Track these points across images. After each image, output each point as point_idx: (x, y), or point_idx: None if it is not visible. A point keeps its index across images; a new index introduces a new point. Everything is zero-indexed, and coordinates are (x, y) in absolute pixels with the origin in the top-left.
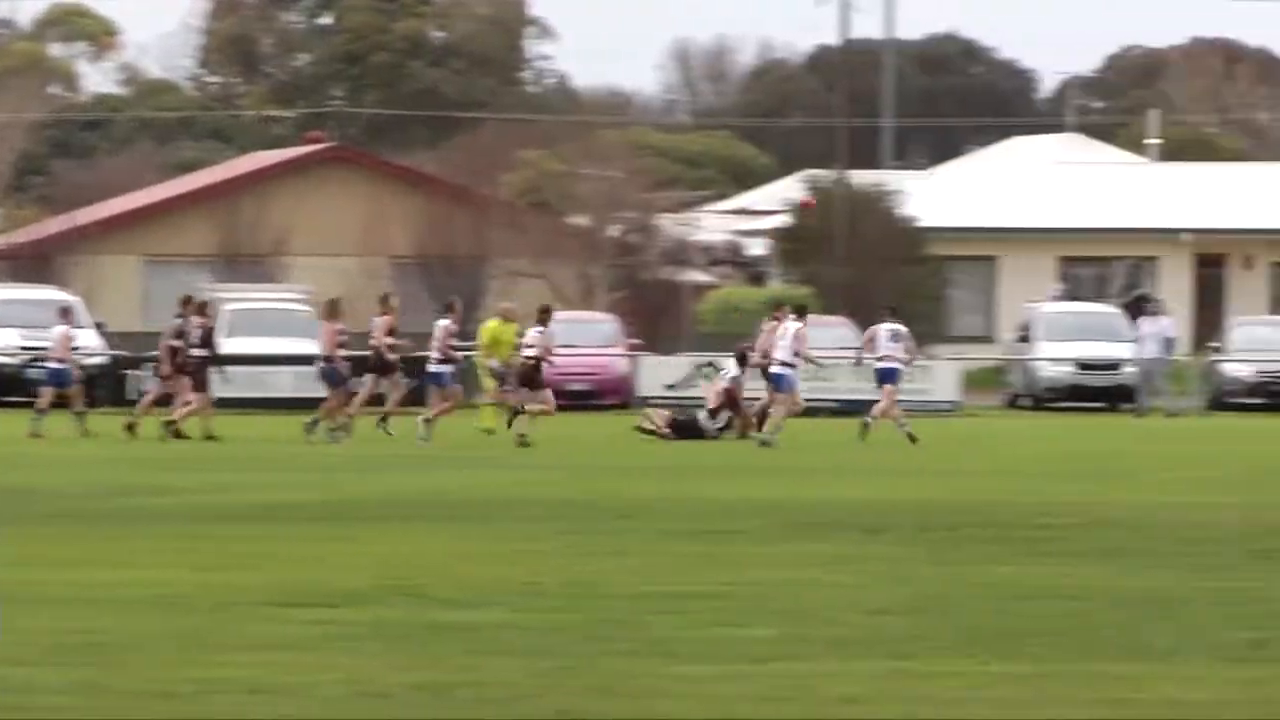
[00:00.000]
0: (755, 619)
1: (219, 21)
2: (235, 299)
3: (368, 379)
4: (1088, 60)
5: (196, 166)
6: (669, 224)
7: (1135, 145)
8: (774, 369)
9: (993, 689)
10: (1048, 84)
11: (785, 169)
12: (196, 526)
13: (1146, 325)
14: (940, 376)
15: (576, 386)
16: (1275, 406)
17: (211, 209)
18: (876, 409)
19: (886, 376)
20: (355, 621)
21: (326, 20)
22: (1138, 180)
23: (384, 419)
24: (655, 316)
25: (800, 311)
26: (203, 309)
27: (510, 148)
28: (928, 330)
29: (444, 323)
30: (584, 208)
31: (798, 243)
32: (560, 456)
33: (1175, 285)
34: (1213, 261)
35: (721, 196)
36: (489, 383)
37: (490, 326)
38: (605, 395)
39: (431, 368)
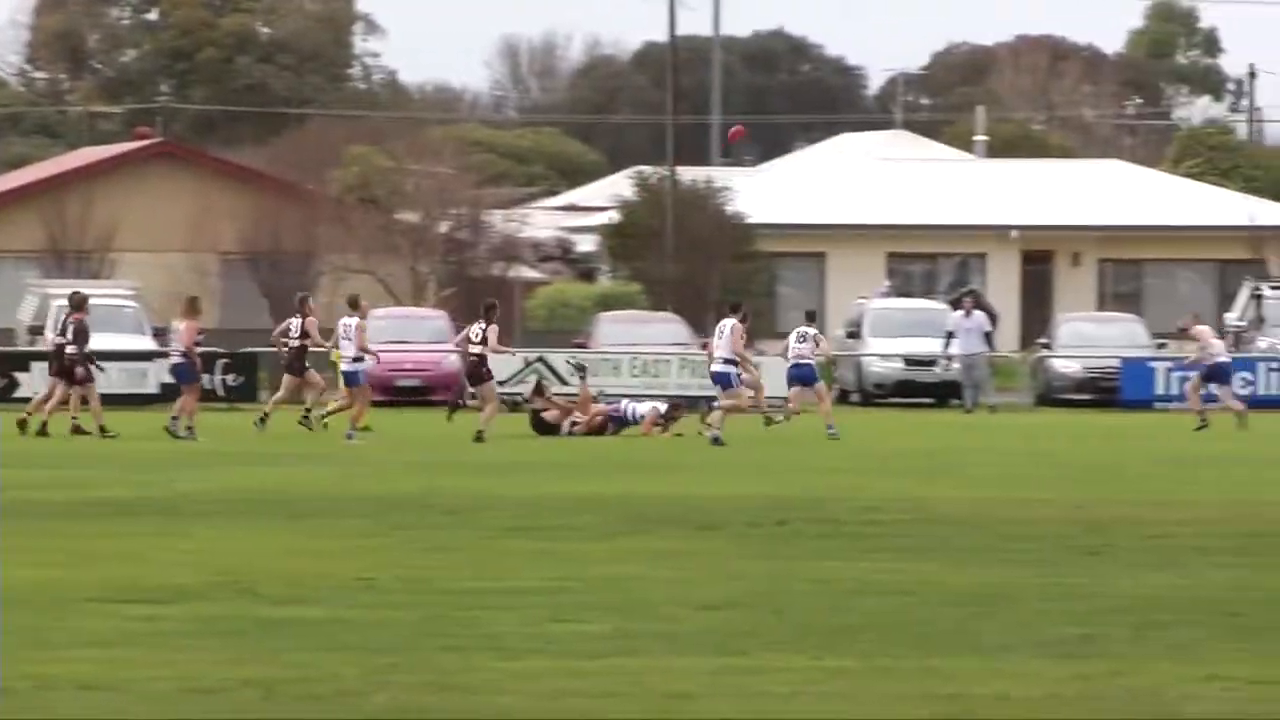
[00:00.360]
0: (588, 615)
1: (46, 17)
2: (63, 295)
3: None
4: (915, 57)
5: (24, 162)
6: (498, 220)
7: (963, 142)
8: (715, 367)
9: (824, 684)
10: (875, 81)
11: (614, 165)
12: (33, 523)
13: (963, 321)
14: (769, 373)
15: (406, 383)
16: (1102, 402)
17: (39, 205)
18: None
19: (802, 377)
20: (186, 617)
21: (153, 16)
22: (965, 177)
23: (262, 418)
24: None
25: (735, 309)
26: (81, 305)
27: (338, 144)
28: (757, 326)
29: (355, 320)
30: (413, 204)
31: (627, 239)
32: (392, 452)
33: (1003, 282)
34: (1040, 258)
35: (551, 193)
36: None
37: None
38: (435, 391)
39: (345, 366)
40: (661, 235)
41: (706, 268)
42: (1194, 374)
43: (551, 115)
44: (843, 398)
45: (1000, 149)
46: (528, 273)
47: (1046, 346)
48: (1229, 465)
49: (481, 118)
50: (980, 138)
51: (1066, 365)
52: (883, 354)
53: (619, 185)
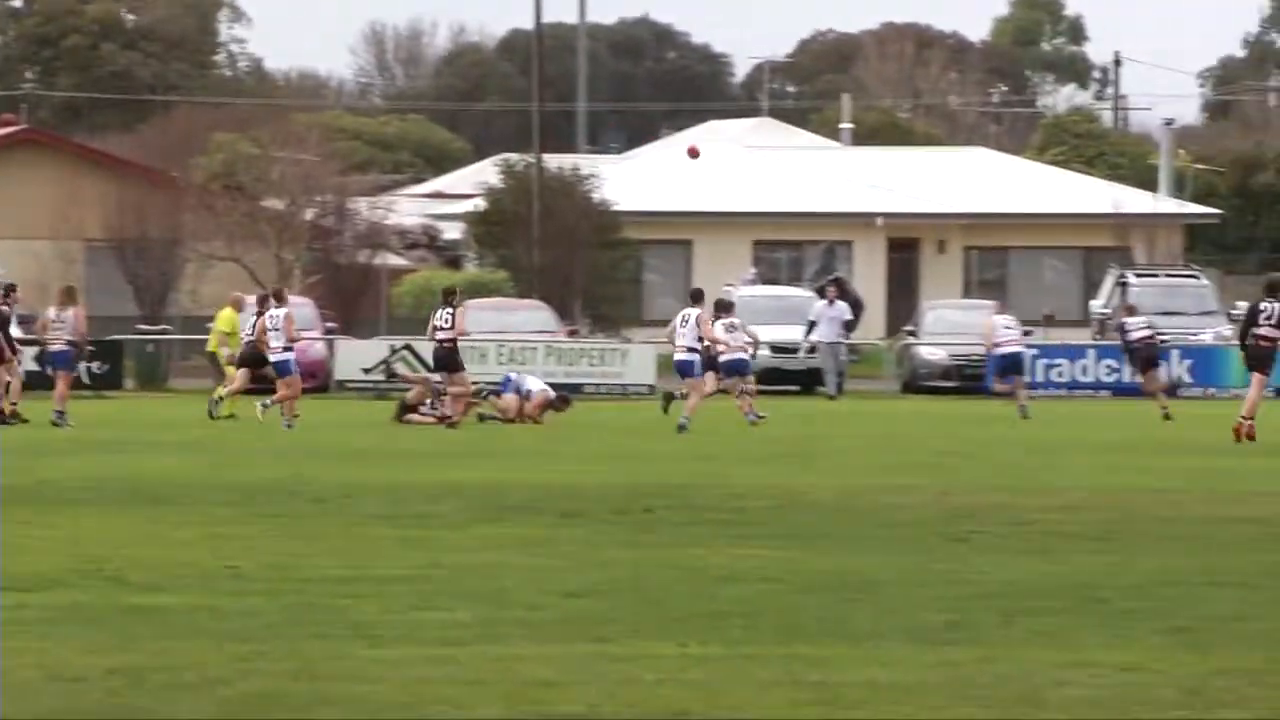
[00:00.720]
0: (454, 602)
1: None
2: None
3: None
4: (781, 45)
5: None
6: (364, 207)
7: (829, 130)
8: (678, 356)
9: (691, 671)
10: (741, 69)
11: (480, 153)
12: None
13: (825, 309)
14: (635, 360)
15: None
16: (967, 389)
17: None
18: (741, 404)
19: (735, 368)
20: (48, 606)
21: (18, 3)
22: (831, 164)
23: (217, 403)
24: (351, 300)
25: (698, 298)
26: (8, 293)
27: (204, 131)
28: (623, 314)
29: (284, 310)
30: (278, 191)
31: (493, 226)
32: (258, 441)
33: (869, 269)
34: (906, 245)
35: (417, 180)
36: (230, 370)
37: (227, 315)
38: (303, 379)
39: (275, 356)
40: (528, 223)
41: (573, 255)
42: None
43: (417, 102)
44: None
45: (866, 137)
46: (393, 260)
47: (912, 334)
48: (1092, 452)
49: (347, 105)
50: (846, 125)
51: (932, 352)
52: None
53: (485, 173)
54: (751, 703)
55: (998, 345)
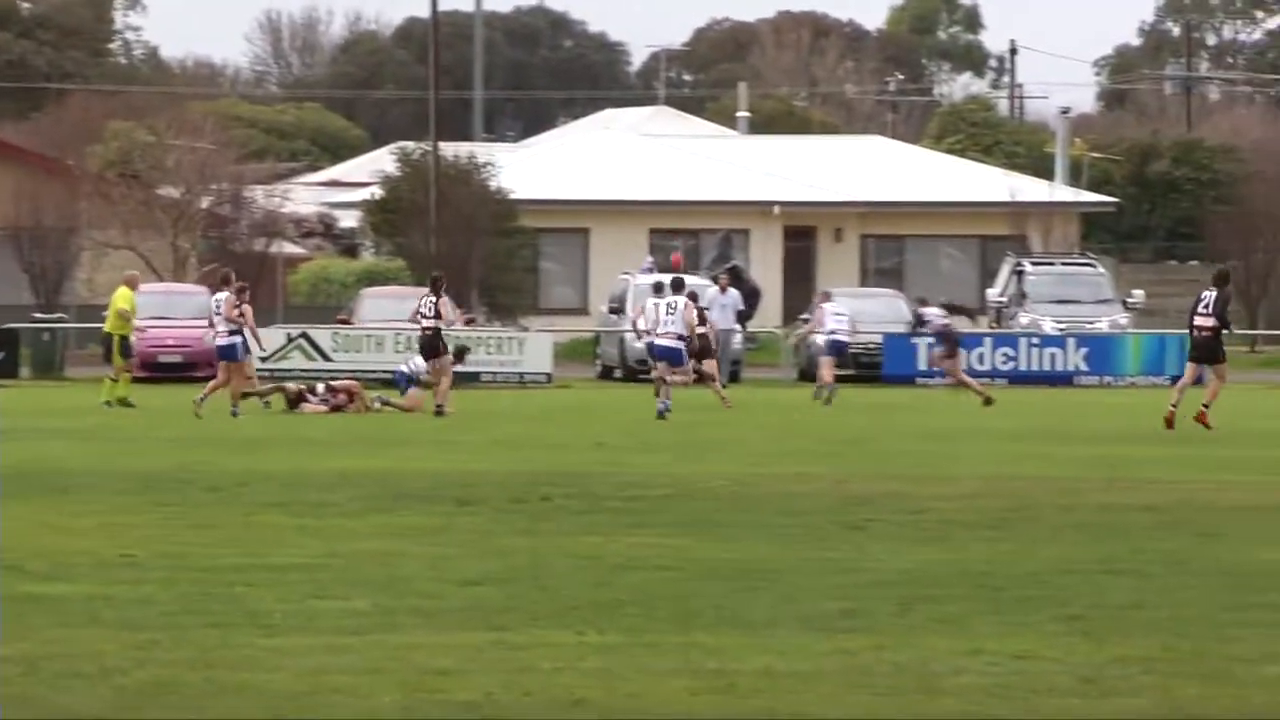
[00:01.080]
0: (350, 591)
1: None
2: None
3: None
4: (677, 33)
5: None
6: (260, 195)
7: (725, 118)
8: (664, 343)
9: (588, 660)
10: (638, 57)
11: (377, 141)
12: None
13: (718, 297)
14: (533, 348)
15: (168, 358)
16: (864, 378)
17: None
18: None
19: (672, 356)
20: None
21: None
22: (728, 153)
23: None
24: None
25: (679, 286)
26: None
27: (99, 119)
28: (520, 302)
29: (227, 295)
30: (174, 179)
31: (389, 214)
32: (153, 428)
33: (766, 257)
34: (803, 234)
35: (313, 168)
36: (118, 360)
37: (124, 294)
38: (198, 367)
39: (221, 341)
40: (424, 211)
41: (470, 243)
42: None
43: (313, 90)
44: (606, 374)
45: (763, 125)
46: (290, 248)
47: (809, 322)
48: (986, 440)
49: (243, 93)
50: (743, 114)
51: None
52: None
53: (382, 161)
54: (649, 691)
55: (832, 332)
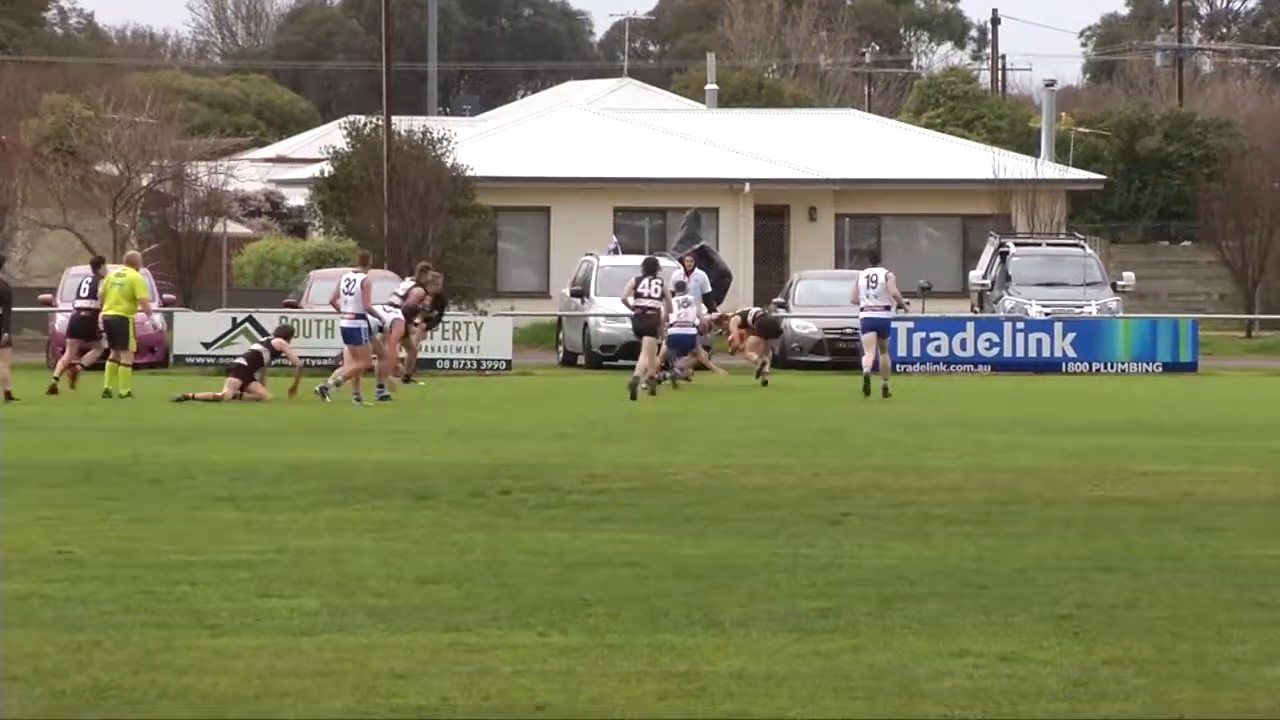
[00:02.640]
0: (299, 589)
1: None
2: None
3: None
4: (642, 2)
5: None
6: (204, 173)
7: (693, 91)
8: (682, 331)
9: (551, 661)
10: (601, 26)
11: (326, 115)
12: None
13: (682, 279)
14: (491, 333)
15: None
16: (841, 364)
17: None
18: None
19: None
20: None
21: None
22: (696, 128)
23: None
24: (191, 270)
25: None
26: None
27: (34, 92)
28: (478, 285)
29: (362, 276)
30: (113, 155)
31: (339, 193)
32: (94, 418)
33: (736, 238)
34: (775, 213)
35: (259, 143)
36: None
37: (140, 279)
38: (139, 354)
39: (346, 323)
40: (376, 189)
41: (424, 223)
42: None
43: (259, 62)
44: (569, 360)
45: (732, 99)
46: (235, 228)
47: (782, 306)
48: (972, 430)
49: (185, 64)
50: (711, 87)
51: (803, 326)
52: (610, 314)
53: (331, 136)
54: (615, 694)
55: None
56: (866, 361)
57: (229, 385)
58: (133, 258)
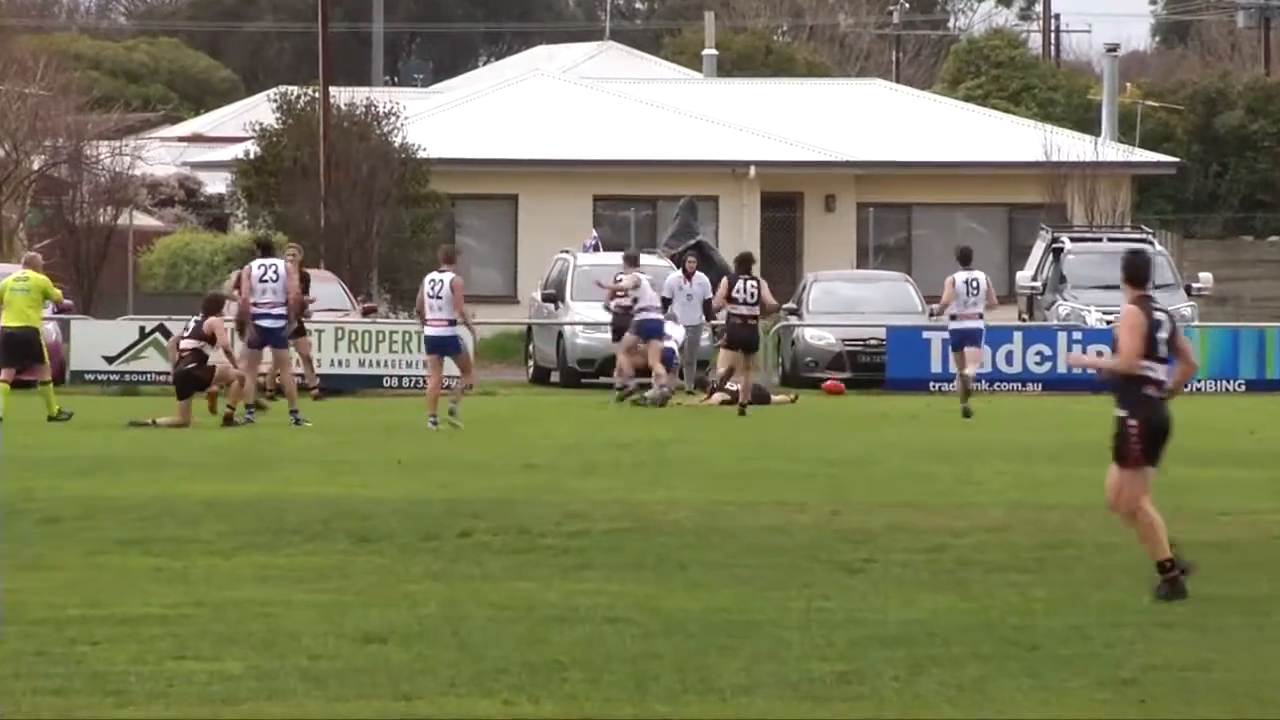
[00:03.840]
0: (221, 649)
1: None
2: None
3: None
4: None
5: None
6: (106, 154)
7: (688, 57)
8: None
9: None
10: None
11: (251, 86)
12: None
13: (679, 284)
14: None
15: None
16: (864, 381)
17: None
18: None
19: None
20: None
21: None
22: (692, 101)
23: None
24: (90, 270)
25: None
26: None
27: None
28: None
29: (449, 275)
30: None
31: (268, 178)
32: None
33: (740, 231)
34: (786, 202)
35: (172, 119)
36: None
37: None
38: (27, 370)
39: (434, 331)
40: (312, 173)
41: (368, 214)
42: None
43: (171, 22)
44: (541, 376)
45: (734, 66)
46: (142, 220)
47: (795, 313)
48: (1014, 461)
49: (83, 26)
50: (709, 52)
51: (819, 336)
52: (590, 323)
53: (257, 110)
54: None
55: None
56: (963, 379)
57: (180, 411)
58: (33, 259)
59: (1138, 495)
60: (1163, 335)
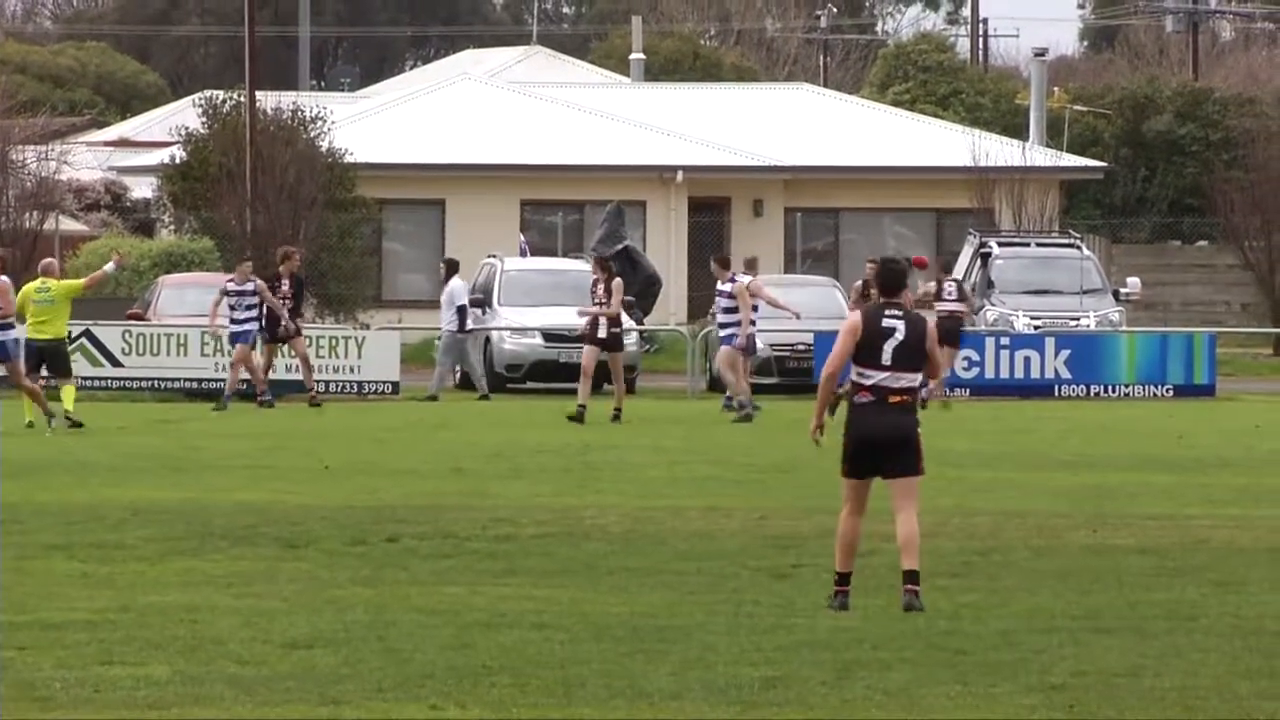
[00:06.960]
0: (147, 655)
1: None
2: None
3: None
4: None
5: None
6: (31, 159)
7: (615, 61)
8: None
9: None
10: None
11: (178, 90)
12: None
13: (446, 289)
14: (375, 351)
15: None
16: (791, 387)
17: None
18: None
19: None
20: None
21: None
22: (619, 105)
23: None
24: (15, 275)
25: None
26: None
27: None
28: (359, 293)
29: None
30: None
31: (194, 182)
32: None
33: (667, 236)
34: (713, 206)
35: (98, 124)
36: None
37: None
38: None
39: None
40: (238, 178)
41: (295, 219)
42: None
43: (98, 26)
44: (467, 382)
45: (662, 70)
46: (68, 225)
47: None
48: (944, 466)
49: (9, 29)
50: (636, 56)
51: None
52: (517, 327)
53: (184, 114)
54: None
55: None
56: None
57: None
58: (50, 265)
59: (845, 501)
60: (891, 344)
